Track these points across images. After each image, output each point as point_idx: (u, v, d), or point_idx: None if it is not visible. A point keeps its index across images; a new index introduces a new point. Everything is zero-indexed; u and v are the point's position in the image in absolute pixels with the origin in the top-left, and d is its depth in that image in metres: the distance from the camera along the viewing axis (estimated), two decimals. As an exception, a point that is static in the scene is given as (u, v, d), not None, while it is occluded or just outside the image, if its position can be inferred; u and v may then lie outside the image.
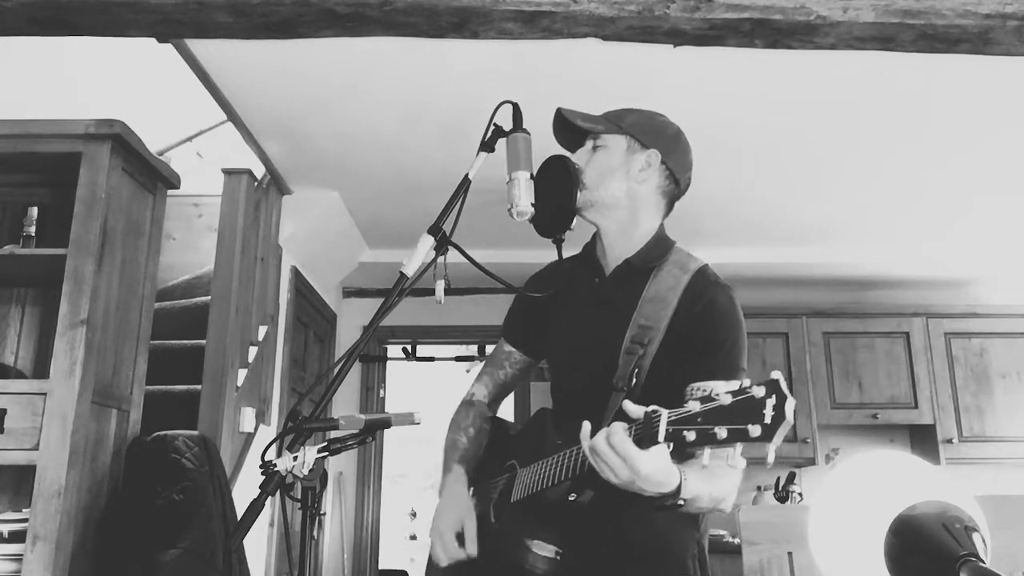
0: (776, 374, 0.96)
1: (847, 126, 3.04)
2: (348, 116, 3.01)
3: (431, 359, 5.28)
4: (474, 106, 2.54)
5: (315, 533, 3.22)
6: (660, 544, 1.42)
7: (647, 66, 2.58)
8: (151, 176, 2.59)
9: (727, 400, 0.98)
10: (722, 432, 0.97)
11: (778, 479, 4.43)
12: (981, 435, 4.38)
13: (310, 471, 1.19)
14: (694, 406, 1.02)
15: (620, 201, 1.50)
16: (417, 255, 1.34)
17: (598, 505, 1.31)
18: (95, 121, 2.31)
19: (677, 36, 2.23)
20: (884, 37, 2.20)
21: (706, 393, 1.19)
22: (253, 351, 3.37)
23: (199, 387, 2.95)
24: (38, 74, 4.02)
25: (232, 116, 3.01)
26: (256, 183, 3.38)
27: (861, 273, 4.67)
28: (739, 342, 1.42)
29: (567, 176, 1.48)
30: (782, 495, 4.36)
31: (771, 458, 0.94)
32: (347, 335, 4.91)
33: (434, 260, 1.37)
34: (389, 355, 5.21)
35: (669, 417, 1.04)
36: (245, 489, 3.01)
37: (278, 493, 1.18)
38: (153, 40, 2.37)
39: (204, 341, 3.03)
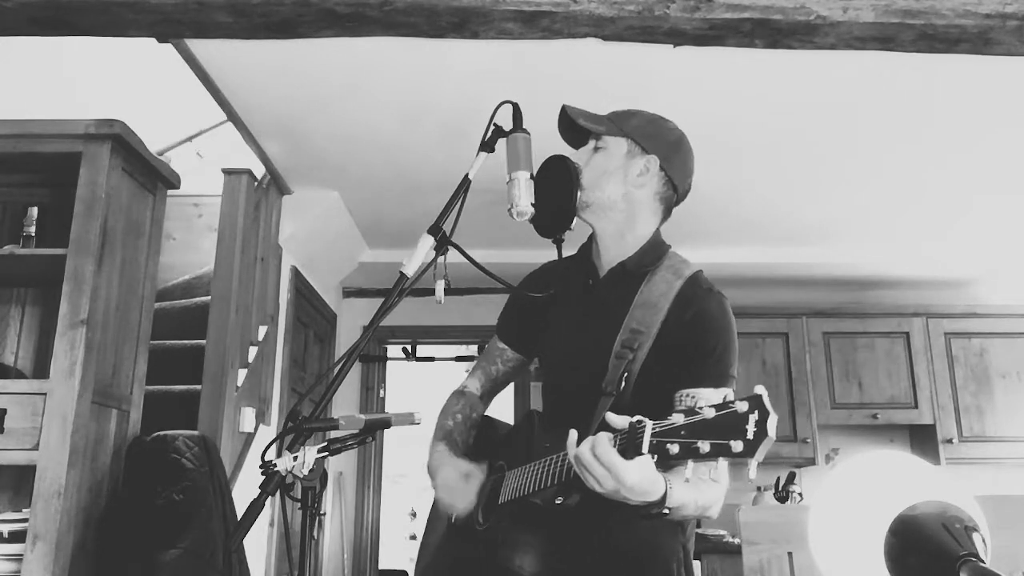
0: (760, 389, 0.97)
1: (847, 126, 3.04)
2: (348, 116, 3.01)
3: (431, 359, 5.28)
4: (474, 106, 2.54)
5: (315, 533, 3.22)
6: (646, 548, 1.42)
7: (647, 66, 2.58)
8: (151, 176, 2.59)
9: (710, 414, 0.98)
10: (705, 446, 0.97)
11: (778, 479, 4.43)
12: (981, 435, 4.38)
13: (310, 471, 1.19)
14: (678, 419, 1.02)
15: (616, 204, 1.50)
16: (417, 255, 1.34)
17: (585, 509, 1.30)
18: (95, 121, 2.31)
19: (677, 36, 2.23)
20: (884, 37, 2.20)
21: (692, 403, 1.19)
22: (253, 351, 3.37)
23: (199, 387, 2.95)
24: (38, 74, 4.02)
25: (232, 116, 3.01)
26: (256, 183, 3.38)
27: (861, 273, 4.67)
28: (729, 350, 1.41)
29: (567, 176, 1.48)
30: (782, 495, 4.36)
31: (753, 474, 0.94)
32: (347, 335, 4.91)
33: (434, 260, 1.37)
34: (389, 355, 5.21)
35: (653, 429, 1.04)
36: (245, 489, 3.01)
37: (278, 493, 1.18)
38: (153, 40, 2.37)
39: (204, 341, 3.03)
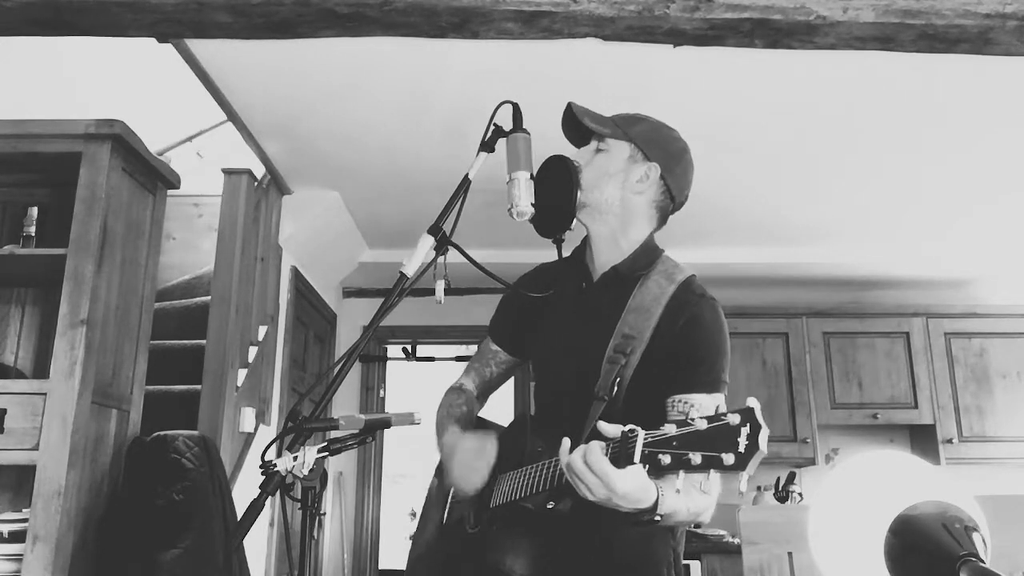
0: (752, 402, 0.97)
1: (847, 126, 3.04)
2: (348, 116, 3.01)
3: (431, 359, 5.28)
4: (474, 106, 2.55)
5: (315, 533, 3.22)
6: (638, 553, 1.42)
7: (647, 66, 2.58)
8: (151, 176, 2.59)
9: (702, 425, 0.99)
10: (696, 458, 0.98)
11: (778, 479, 4.43)
12: (981, 435, 4.38)
13: (310, 471, 1.19)
14: (670, 429, 1.02)
15: (613, 208, 1.50)
16: (417, 255, 1.34)
17: (577, 514, 1.30)
18: (95, 121, 2.31)
19: (677, 36, 2.23)
20: (884, 37, 2.20)
21: (685, 409, 1.19)
22: (253, 351, 3.37)
23: (199, 387, 2.95)
24: (38, 74, 4.02)
25: (232, 116, 3.01)
26: (256, 183, 3.38)
27: (861, 273, 4.67)
28: (721, 355, 1.41)
29: (567, 176, 1.48)
30: (782, 495, 4.36)
31: (743, 487, 0.95)
32: (347, 335, 4.91)
33: (434, 260, 1.37)
34: (389, 355, 5.21)
35: (645, 439, 1.04)
36: (245, 489, 3.01)
37: (278, 493, 1.18)
38: (153, 40, 2.37)
39: (204, 341, 3.03)
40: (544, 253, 1.61)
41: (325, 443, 1.23)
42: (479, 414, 1.73)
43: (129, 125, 2.39)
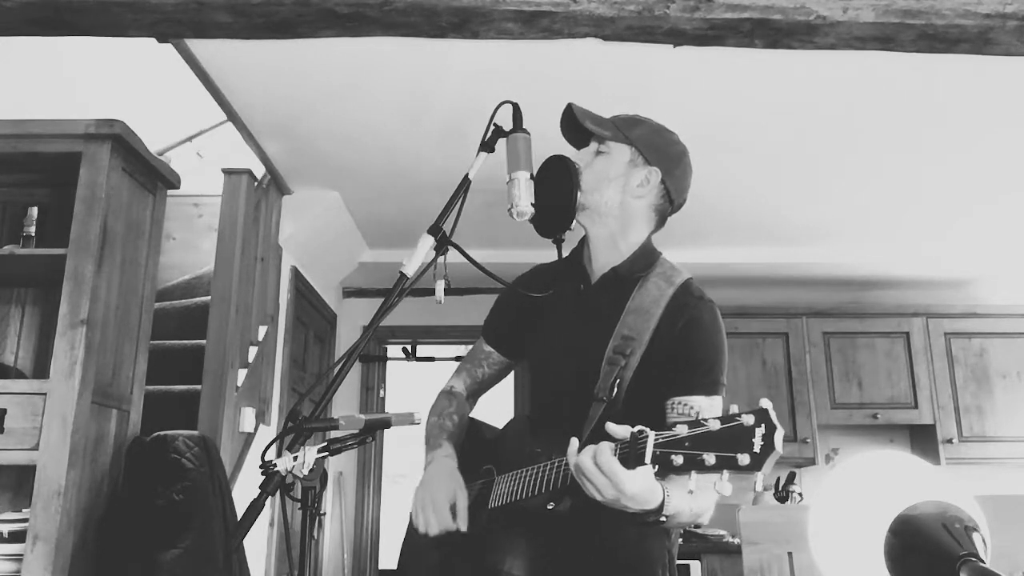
0: (765, 403, 0.97)
1: (847, 126, 3.04)
2: (348, 116, 3.01)
3: (431, 359, 5.27)
4: (474, 106, 2.55)
5: (315, 533, 3.22)
6: (634, 554, 1.43)
7: (647, 66, 2.58)
8: (151, 176, 2.59)
9: (715, 426, 0.99)
10: (710, 459, 0.98)
11: (778, 479, 4.43)
12: (981, 435, 4.38)
13: (310, 471, 1.19)
14: (682, 430, 1.02)
15: (612, 210, 1.50)
16: (417, 255, 1.34)
17: (576, 515, 1.31)
18: (95, 121, 2.31)
19: (677, 36, 2.22)
20: (884, 37, 2.19)
21: (685, 411, 1.19)
22: (253, 351, 3.37)
23: (199, 387, 2.95)
24: (38, 74, 4.02)
25: (232, 116, 3.01)
26: (256, 183, 3.38)
27: (861, 273, 4.67)
28: (720, 359, 1.42)
29: (567, 176, 1.48)
30: (782, 495, 4.36)
31: (759, 487, 0.96)
32: (347, 335, 4.91)
33: (434, 260, 1.37)
34: (389, 355, 5.21)
35: (656, 440, 1.04)
36: (245, 489, 3.01)
37: (278, 493, 1.18)
38: (153, 40, 2.37)
39: (204, 341, 3.03)
40: (544, 253, 1.61)
41: (325, 443, 1.23)
42: (471, 415, 1.73)
43: (129, 125, 2.39)
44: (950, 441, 4.35)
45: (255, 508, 1.14)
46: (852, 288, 4.92)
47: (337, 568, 4.70)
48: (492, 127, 1.46)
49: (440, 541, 1.56)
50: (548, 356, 1.56)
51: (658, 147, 1.51)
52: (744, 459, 0.95)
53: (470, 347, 1.80)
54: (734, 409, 0.99)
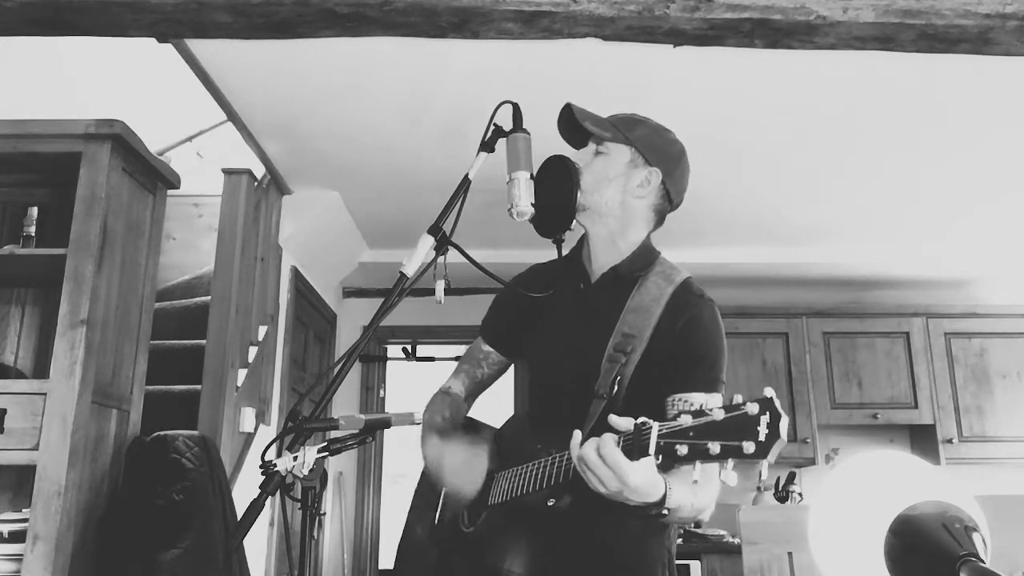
0: (769, 391, 0.97)
1: (847, 126, 3.04)
2: (348, 116, 3.01)
3: (431, 359, 5.27)
4: (474, 106, 2.54)
5: (315, 533, 3.22)
6: (634, 551, 1.43)
7: (647, 66, 2.58)
8: (151, 176, 2.59)
9: (720, 416, 0.99)
10: (715, 447, 0.97)
11: (778, 479, 4.43)
12: (981, 435, 4.38)
13: (310, 471, 1.19)
14: (686, 420, 1.02)
15: (613, 210, 1.50)
16: (417, 255, 1.34)
17: (576, 511, 1.31)
18: (95, 121, 2.31)
19: (677, 36, 2.23)
20: (884, 37, 2.20)
21: (691, 406, 1.19)
22: (253, 351, 3.37)
23: (199, 387, 2.95)
24: (38, 74, 4.02)
25: (232, 116, 3.01)
26: (256, 183, 3.38)
27: (861, 273, 4.67)
28: (720, 357, 1.43)
29: (567, 176, 1.48)
30: (782, 495, 4.36)
31: (765, 474, 0.96)
32: (347, 335, 4.91)
33: (434, 260, 1.37)
34: (389, 355, 5.21)
35: (660, 430, 1.05)
36: (245, 489, 3.01)
37: (278, 493, 1.18)
38: (153, 40, 2.37)
39: (204, 341, 3.03)
40: (544, 253, 1.61)
41: (325, 443, 1.23)
42: (469, 414, 1.73)
43: (129, 125, 2.39)
44: (950, 441, 4.35)
45: (255, 508, 1.14)
46: (852, 288, 4.92)
47: (337, 568, 4.70)
48: (492, 127, 1.46)
49: (438, 539, 1.56)
50: (548, 355, 1.57)
51: (658, 148, 1.52)
52: (749, 447, 0.95)
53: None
54: (738, 399, 0.99)
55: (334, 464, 4.79)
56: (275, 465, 1.16)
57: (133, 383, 2.48)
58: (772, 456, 0.95)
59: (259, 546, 3.48)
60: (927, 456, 4.31)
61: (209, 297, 3.17)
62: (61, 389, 2.13)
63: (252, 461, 3.18)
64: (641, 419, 1.08)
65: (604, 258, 1.53)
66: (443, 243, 1.37)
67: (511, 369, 1.77)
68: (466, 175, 1.42)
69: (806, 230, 4.15)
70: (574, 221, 1.49)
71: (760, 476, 0.96)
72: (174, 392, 3.06)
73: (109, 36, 2.26)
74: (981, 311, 4.58)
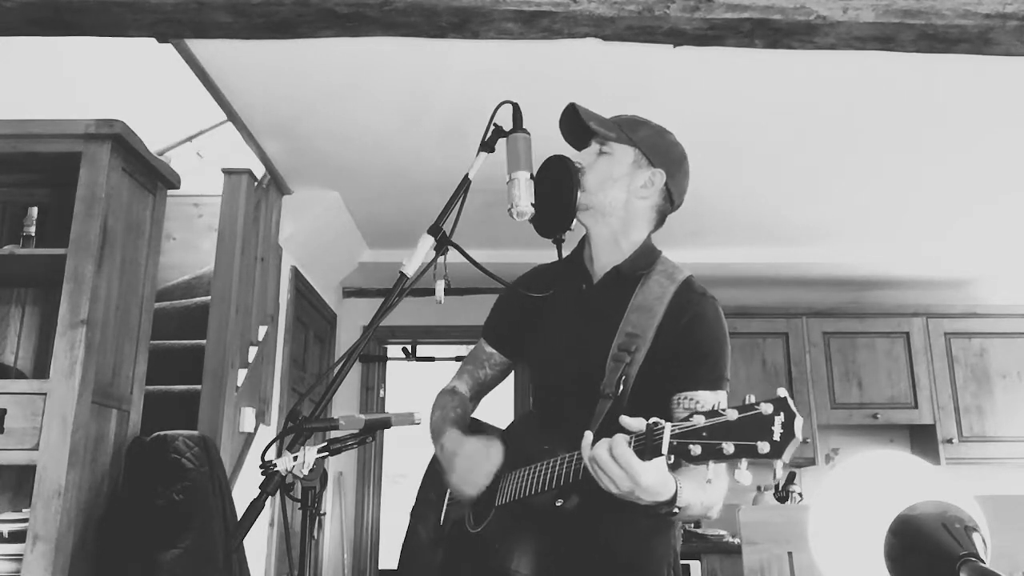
0: (783, 392, 0.98)
1: (847, 126, 3.04)
2: (348, 116, 3.01)
3: (431, 359, 5.28)
4: (474, 106, 2.55)
5: (315, 533, 3.22)
6: (640, 551, 1.44)
7: (647, 66, 2.58)
8: (151, 176, 2.59)
9: (733, 415, 0.99)
10: (729, 447, 0.98)
11: (778, 479, 4.43)
12: (981, 435, 4.38)
13: (310, 471, 1.19)
14: (699, 420, 1.02)
15: (616, 211, 1.51)
16: (417, 255, 1.34)
17: (583, 512, 1.31)
18: (95, 121, 2.31)
19: (677, 36, 2.23)
20: (884, 37, 2.20)
21: (698, 404, 1.19)
22: (253, 351, 3.37)
23: (199, 387, 2.95)
24: (38, 74, 4.02)
25: (232, 116, 3.01)
26: (256, 183, 3.38)
27: (861, 273, 4.67)
28: (724, 354, 1.43)
29: (568, 176, 1.48)
30: (782, 495, 4.36)
31: (780, 473, 0.96)
32: (347, 335, 4.91)
33: (434, 260, 1.37)
34: (389, 355, 5.21)
35: (673, 430, 1.05)
36: (245, 489, 3.01)
37: (278, 493, 1.18)
38: (153, 40, 2.37)
39: (204, 341, 3.03)
40: (544, 253, 1.61)
41: (325, 443, 1.23)
42: (472, 416, 1.73)
43: (129, 125, 2.39)
44: (950, 441, 4.34)
45: (255, 508, 1.14)
46: (852, 288, 4.92)
47: (337, 568, 4.70)
48: (492, 127, 1.46)
49: (443, 540, 1.56)
50: (552, 356, 1.57)
51: (661, 149, 1.53)
52: (764, 447, 0.95)
53: (470, 347, 1.80)
54: (751, 398, 0.99)
55: (334, 464, 4.79)
56: (275, 465, 1.16)
57: (133, 383, 2.48)
58: (787, 456, 0.95)
59: (259, 546, 3.48)
60: (927, 456, 4.31)
61: (209, 297, 3.17)
62: (61, 389, 2.13)
63: (252, 461, 3.18)
64: (653, 419, 1.08)
65: (606, 258, 1.54)
66: (443, 243, 1.37)
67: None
68: (466, 175, 1.42)
69: (806, 230, 4.15)
70: (575, 221, 1.50)
71: (774, 475, 0.96)
72: (174, 392, 3.06)
73: (109, 36, 2.26)
74: (981, 311, 4.58)
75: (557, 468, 1.31)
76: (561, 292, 1.57)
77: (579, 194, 1.49)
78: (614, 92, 2.68)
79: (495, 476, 1.48)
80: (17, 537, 2.10)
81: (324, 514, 4.69)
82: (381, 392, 5.13)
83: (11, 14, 2.12)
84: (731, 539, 4.04)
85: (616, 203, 1.50)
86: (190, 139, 4.55)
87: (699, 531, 4.11)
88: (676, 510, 1.18)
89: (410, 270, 1.33)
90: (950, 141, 3.13)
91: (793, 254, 4.41)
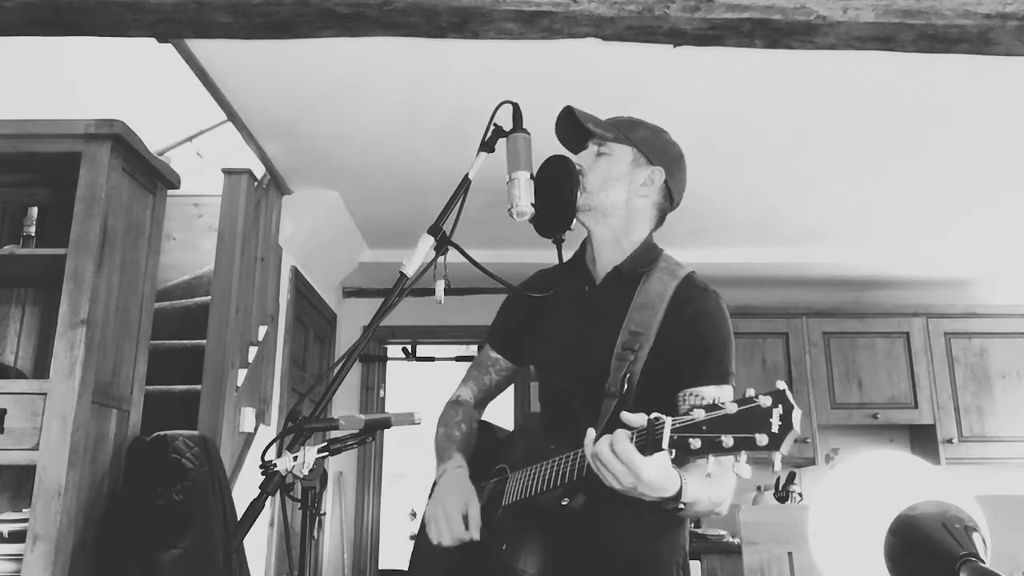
0: (781, 384, 0.98)
1: (847, 126, 3.04)
2: (348, 116, 3.01)
3: (431, 359, 5.28)
4: (474, 106, 2.55)
5: (315, 533, 3.22)
6: (649, 549, 1.44)
7: (647, 66, 2.58)
8: (151, 176, 2.59)
9: (733, 409, 1.00)
10: (728, 440, 0.98)
11: (778, 479, 4.43)
12: (981, 435, 4.38)
13: (310, 471, 1.19)
14: (699, 414, 1.03)
15: (618, 210, 1.52)
16: (417, 255, 1.34)
17: (589, 511, 1.31)
18: (95, 121, 2.31)
19: (677, 36, 2.23)
20: (884, 37, 2.19)
21: (703, 400, 1.20)
22: (253, 351, 3.37)
23: (199, 387, 2.95)
24: (38, 74, 4.02)
25: (232, 116, 3.01)
26: (256, 183, 3.38)
27: (861, 273, 4.67)
28: (728, 348, 1.43)
29: (568, 176, 1.49)
30: (782, 495, 4.36)
31: (778, 466, 0.98)
32: (347, 335, 4.91)
33: (434, 260, 1.37)
34: (389, 355, 5.21)
35: (673, 425, 1.05)
36: (245, 489, 3.01)
37: (278, 493, 1.18)
38: (153, 40, 2.37)
39: (204, 341, 3.03)
40: (544, 253, 1.61)
41: (325, 443, 1.23)
42: (482, 419, 1.74)
43: (129, 125, 2.39)
44: (950, 441, 4.34)
45: (255, 508, 1.14)
46: (852, 288, 4.92)
47: (337, 568, 4.70)
48: (492, 127, 1.46)
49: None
50: (557, 356, 1.57)
51: (659, 148, 1.54)
52: (762, 439, 0.96)
53: (470, 347, 1.80)
54: (750, 392, 0.99)
55: (334, 464, 4.79)
56: (275, 465, 1.16)
57: (133, 383, 2.48)
58: (785, 448, 0.96)
59: (259, 546, 3.48)
60: (927, 456, 4.31)
61: (209, 297, 3.17)
62: (61, 389, 2.13)
63: (252, 461, 3.18)
64: (654, 414, 1.09)
65: (608, 258, 1.54)
66: (443, 243, 1.37)
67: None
68: (466, 175, 1.42)
69: (806, 230, 4.15)
70: (575, 221, 1.50)
71: (773, 468, 0.96)
72: (174, 392, 3.06)
73: (109, 36, 2.26)
74: (981, 311, 4.58)
75: (561, 466, 1.31)
76: (564, 294, 1.57)
77: (580, 195, 1.49)
78: (614, 92, 2.68)
79: (500, 478, 1.47)
80: (17, 537, 2.10)
81: (324, 514, 4.69)
82: (381, 392, 5.13)
83: (11, 14, 2.12)
84: (731, 539, 4.04)
85: (617, 203, 1.51)
86: (190, 139, 4.55)
87: (699, 531, 4.11)
88: (682, 506, 1.18)
89: (410, 270, 1.33)
90: (950, 141, 3.13)
91: (793, 254, 4.41)
